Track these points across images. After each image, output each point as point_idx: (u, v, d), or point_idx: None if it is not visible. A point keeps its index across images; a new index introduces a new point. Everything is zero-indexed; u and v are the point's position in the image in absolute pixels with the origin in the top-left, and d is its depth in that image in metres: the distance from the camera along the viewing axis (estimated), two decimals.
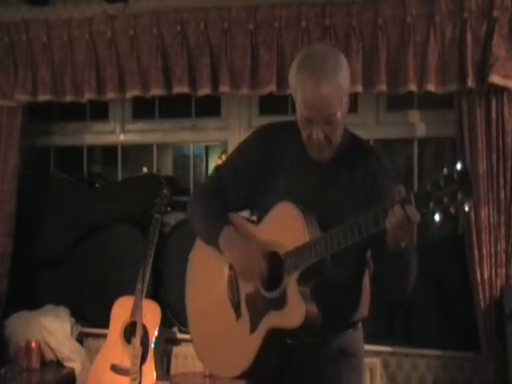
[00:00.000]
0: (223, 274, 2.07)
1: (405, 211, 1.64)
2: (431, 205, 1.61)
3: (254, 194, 2.07)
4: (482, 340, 3.31)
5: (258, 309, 1.95)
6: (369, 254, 2.00)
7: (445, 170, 1.60)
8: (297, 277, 1.86)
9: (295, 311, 1.85)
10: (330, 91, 1.83)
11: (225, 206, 2.07)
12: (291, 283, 1.87)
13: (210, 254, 2.08)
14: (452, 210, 1.58)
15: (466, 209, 1.57)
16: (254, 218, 2.20)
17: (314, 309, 1.85)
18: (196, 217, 2.12)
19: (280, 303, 1.89)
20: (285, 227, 1.92)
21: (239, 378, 2.02)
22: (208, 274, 2.13)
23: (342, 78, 1.87)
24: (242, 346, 1.97)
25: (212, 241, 2.03)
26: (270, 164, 2.03)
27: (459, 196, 1.56)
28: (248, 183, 2.06)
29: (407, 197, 1.66)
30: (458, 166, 1.58)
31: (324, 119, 1.86)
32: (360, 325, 2.06)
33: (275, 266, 1.92)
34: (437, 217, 1.61)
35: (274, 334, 1.91)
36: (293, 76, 1.91)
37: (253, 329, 1.96)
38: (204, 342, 2.14)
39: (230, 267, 2.04)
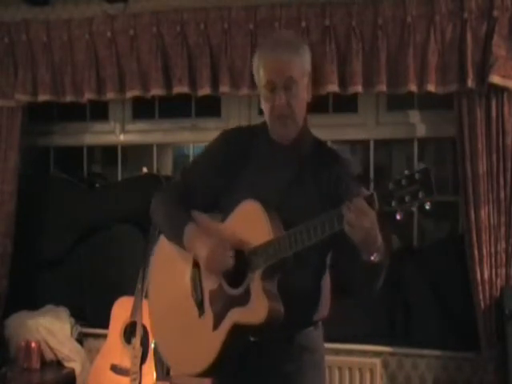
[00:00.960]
0: (186, 273, 2.08)
1: (362, 204, 1.68)
2: (393, 203, 1.66)
3: (218, 195, 2.10)
4: (482, 340, 3.31)
5: (221, 306, 1.97)
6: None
7: (406, 171, 1.67)
8: (260, 274, 1.89)
9: (259, 307, 1.87)
10: (290, 58, 1.94)
11: (189, 208, 2.09)
12: (255, 280, 1.90)
13: (172, 254, 2.11)
14: (413, 208, 1.65)
15: (427, 207, 1.65)
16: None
17: (277, 305, 1.87)
18: (160, 218, 2.15)
19: (244, 300, 1.91)
20: (249, 225, 1.95)
21: (202, 375, 2.03)
22: (170, 273, 2.15)
23: (303, 55, 1.98)
24: (206, 342, 1.99)
25: (176, 238, 2.05)
26: (235, 165, 2.06)
27: (420, 195, 1.63)
28: (212, 184, 2.10)
29: (370, 195, 1.70)
30: (419, 167, 1.66)
31: (284, 83, 1.93)
32: (320, 324, 2.09)
33: (239, 264, 1.94)
34: (398, 216, 1.68)
35: (238, 330, 1.93)
36: (255, 57, 2.02)
37: (216, 325, 1.97)
38: (168, 341, 2.16)
39: (194, 265, 2.06)
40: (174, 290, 2.13)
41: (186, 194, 2.12)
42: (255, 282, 1.90)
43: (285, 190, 1.98)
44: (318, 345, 2.09)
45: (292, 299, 1.89)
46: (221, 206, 2.10)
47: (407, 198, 1.65)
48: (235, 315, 1.93)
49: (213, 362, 1.97)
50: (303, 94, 1.99)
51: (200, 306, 2.03)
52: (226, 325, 1.95)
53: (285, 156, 2.03)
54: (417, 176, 1.64)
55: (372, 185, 1.76)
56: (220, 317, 1.97)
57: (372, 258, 1.77)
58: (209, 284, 2.02)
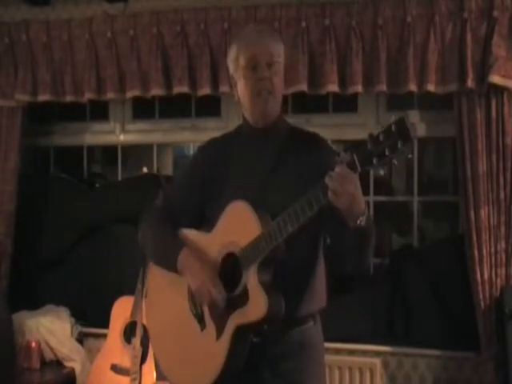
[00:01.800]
0: (183, 289, 2.07)
1: (343, 170, 1.69)
2: (374, 161, 1.66)
3: (203, 208, 2.11)
4: (482, 340, 3.31)
5: (221, 314, 1.95)
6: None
7: (382, 127, 1.69)
8: (255, 270, 1.88)
9: (258, 303, 1.86)
10: (270, 40, 2.04)
11: (176, 227, 2.10)
12: (250, 277, 1.89)
13: (167, 274, 2.09)
14: (395, 161, 1.64)
15: (409, 156, 1.65)
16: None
17: (276, 298, 1.87)
18: (150, 244, 2.16)
19: (242, 300, 1.90)
20: (238, 226, 1.94)
21: None
22: (167, 292, 2.14)
23: (280, 44, 2.07)
24: (211, 354, 1.97)
25: (169, 267, 2.06)
26: (215, 174, 2.08)
27: (399, 145, 1.63)
28: (196, 200, 2.11)
29: (351, 158, 1.69)
30: (393, 118, 1.68)
31: (266, 61, 1.99)
32: (318, 318, 2.09)
33: (234, 266, 1.94)
34: (381, 171, 1.68)
35: (241, 332, 1.92)
36: (232, 49, 2.07)
37: (219, 334, 1.96)
38: (171, 360, 2.14)
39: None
40: (173, 309, 2.12)
41: (171, 215, 2.13)
42: (251, 280, 1.89)
43: (267, 180, 2.00)
44: (317, 341, 2.08)
45: (288, 289, 1.89)
46: (209, 218, 2.09)
47: (387, 152, 1.64)
48: (236, 318, 1.92)
49: (220, 371, 1.94)
50: (281, 75, 2.04)
51: (201, 320, 2.02)
52: (228, 330, 1.93)
53: (263, 144, 2.05)
54: (393, 128, 1.66)
55: (348, 151, 1.72)
56: (222, 325, 1.95)
57: (358, 221, 1.77)
58: None
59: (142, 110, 4.17)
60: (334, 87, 3.43)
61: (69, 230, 4.23)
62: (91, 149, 4.47)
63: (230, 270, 1.95)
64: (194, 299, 2.05)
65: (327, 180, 1.71)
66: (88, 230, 4.22)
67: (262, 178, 2.00)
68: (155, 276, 2.21)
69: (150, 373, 3.47)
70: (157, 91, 3.70)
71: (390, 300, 3.71)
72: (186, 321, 2.06)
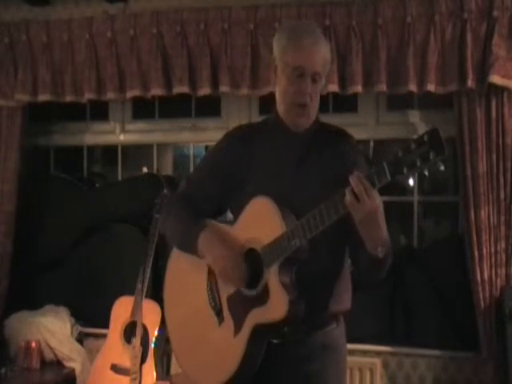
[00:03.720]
0: (202, 282, 2.06)
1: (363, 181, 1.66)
2: (405, 170, 1.62)
3: (226, 197, 2.09)
4: (482, 340, 3.31)
5: (240, 309, 1.94)
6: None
7: (415, 135, 1.63)
8: (277, 269, 1.86)
9: (278, 303, 1.84)
10: (322, 52, 1.96)
11: (199, 214, 2.07)
12: (271, 276, 1.87)
13: (187, 265, 2.09)
14: (426, 171, 1.60)
15: (441, 168, 1.59)
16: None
17: (296, 298, 1.84)
18: (171, 227, 2.13)
19: (262, 298, 1.88)
20: (261, 222, 1.92)
21: (227, 383, 1.98)
22: (186, 284, 2.13)
23: (329, 52, 2.02)
24: (227, 350, 1.96)
25: (190, 247, 2.02)
26: (240, 164, 2.04)
27: (431, 156, 1.58)
28: (219, 188, 2.08)
29: (381, 167, 1.66)
30: (427, 128, 1.63)
31: (312, 74, 1.94)
32: (342, 320, 2.07)
33: (255, 263, 1.92)
34: (411, 181, 1.64)
35: (259, 331, 1.90)
36: (283, 36, 1.99)
37: (237, 330, 1.94)
38: (187, 353, 2.12)
39: (209, 273, 2.03)
40: (191, 302, 2.10)
41: (193, 202, 2.10)
42: (272, 279, 1.86)
43: (292, 176, 1.97)
44: (340, 343, 2.06)
45: (311, 290, 1.87)
46: (231, 207, 2.09)
47: (418, 162, 1.59)
48: (255, 316, 1.89)
49: (237, 368, 1.93)
50: (321, 88, 2.02)
51: (219, 313, 2.01)
52: (246, 328, 1.91)
53: (290, 140, 2.02)
54: (425, 138, 1.59)
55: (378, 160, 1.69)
56: (240, 321, 1.93)
57: (376, 252, 1.75)
58: (226, 290, 1.99)
59: (142, 110, 4.17)
60: (333, 87, 3.43)
61: (69, 230, 4.23)
62: (91, 149, 4.47)
63: (250, 265, 1.93)
64: (213, 292, 2.03)
65: (347, 188, 1.68)
66: (88, 230, 4.22)
67: (286, 173, 1.98)
68: (175, 266, 2.19)
69: (150, 373, 3.47)
70: (157, 91, 3.70)
71: (389, 300, 3.71)
72: (203, 313, 2.04)
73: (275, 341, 1.95)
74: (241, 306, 1.93)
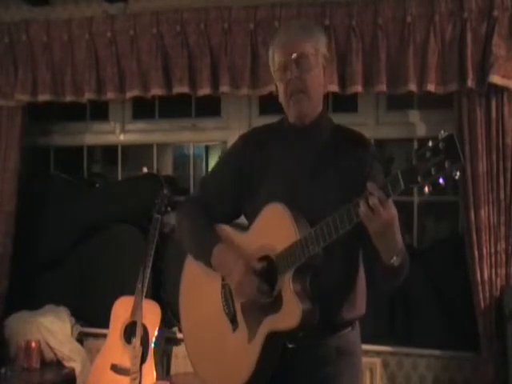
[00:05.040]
0: (216, 288, 2.06)
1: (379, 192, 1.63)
2: (419, 179, 1.58)
3: (241, 200, 2.08)
4: (482, 340, 3.31)
5: (254, 316, 1.93)
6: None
7: (430, 142, 1.57)
8: (290, 276, 1.85)
9: (292, 312, 1.83)
10: (301, 37, 1.96)
11: (213, 219, 2.07)
12: (285, 284, 1.86)
13: (201, 271, 2.08)
14: (441, 180, 1.54)
15: (456, 177, 1.53)
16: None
17: (310, 306, 1.83)
18: (186, 236, 2.13)
19: (276, 306, 1.87)
20: (275, 228, 1.91)
21: None
22: (201, 290, 2.13)
23: (316, 36, 1.99)
24: (242, 356, 1.95)
25: (204, 259, 2.04)
26: (255, 167, 2.04)
27: (447, 165, 1.52)
28: (234, 191, 2.08)
29: (395, 175, 1.63)
30: (443, 134, 1.55)
31: (295, 60, 1.93)
32: (357, 324, 2.06)
33: (268, 270, 1.91)
34: (426, 189, 1.58)
35: (273, 338, 1.90)
36: (270, 48, 2.03)
37: (251, 337, 1.94)
38: (202, 358, 2.13)
39: (223, 279, 2.04)
40: (206, 308, 2.10)
41: (208, 206, 2.09)
42: (286, 286, 1.85)
43: (306, 181, 1.95)
44: (355, 347, 2.04)
45: (325, 298, 1.86)
46: (245, 211, 2.08)
47: (433, 171, 1.54)
48: (269, 324, 1.89)
49: (251, 374, 1.93)
50: (317, 71, 1.98)
51: (233, 320, 2.01)
52: (260, 335, 1.91)
53: (304, 144, 2.00)
54: (441, 145, 1.54)
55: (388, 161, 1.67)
56: (254, 328, 1.93)
57: (392, 261, 1.74)
58: (240, 297, 1.99)
59: (142, 110, 4.17)
60: (333, 87, 3.43)
61: (69, 230, 4.23)
62: (91, 149, 4.47)
63: (264, 273, 1.92)
64: (226, 298, 2.03)
65: (360, 199, 1.66)
66: (88, 230, 4.22)
67: (303, 177, 1.96)
68: (190, 271, 2.19)
69: (150, 373, 3.48)
70: (157, 91, 3.70)
71: (390, 300, 3.71)
72: (218, 320, 2.04)
73: (290, 345, 1.94)
74: (255, 313, 1.93)
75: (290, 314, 1.83)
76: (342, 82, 3.44)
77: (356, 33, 3.41)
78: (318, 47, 1.97)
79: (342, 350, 1.98)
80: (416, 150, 1.61)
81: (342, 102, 3.73)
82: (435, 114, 3.66)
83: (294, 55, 1.93)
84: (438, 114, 3.64)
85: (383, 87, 3.38)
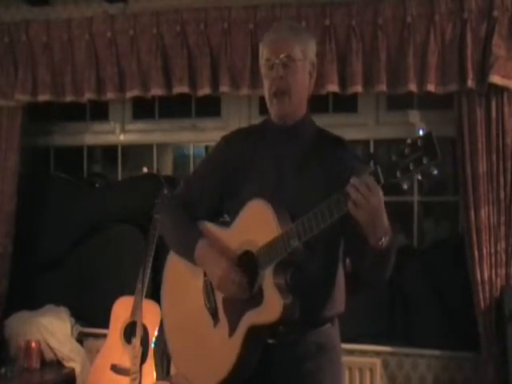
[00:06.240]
0: (199, 284, 2.07)
1: (367, 180, 1.66)
2: (398, 174, 1.63)
3: (224, 199, 2.10)
4: (482, 340, 3.31)
5: (236, 311, 1.95)
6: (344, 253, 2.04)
7: (408, 140, 1.63)
8: (271, 271, 1.87)
9: (272, 305, 1.85)
10: (289, 38, 1.98)
11: (196, 217, 2.09)
12: (266, 278, 1.88)
13: (183, 267, 2.10)
14: (419, 176, 1.61)
15: (434, 172, 1.60)
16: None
17: (290, 300, 1.85)
18: (169, 234, 2.16)
19: (257, 300, 1.89)
20: (257, 224, 1.93)
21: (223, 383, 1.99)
22: (183, 286, 2.14)
23: (304, 40, 2.02)
24: (223, 350, 1.96)
25: (186, 256, 2.06)
26: (237, 166, 2.06)
27: (424, 161, 1.59)
28: (217, 190, 2.10)
29: (374, 169, 1.67)
30: (421, 132, 1.63)
31: (282, 60, 1.96)
32: (337, 320, 2.08)
33: (250, 265, 1.92)
34: (405, 185, 1.65)
35: (254, 333, 1.91)
36: (260, 46, 2.06)
37: (232, 331, 1.95)
38: (184, 354, 2.14)
39: (205, 275, 2.05)
40: (188, 304, 2.11)
41: (190, 204, 2.11)
42: (267, 281, 1.87)
43: (289, 180, 1.98)
44: (335, 343, 2.06)
45: (306, 293, 1.88)
46: (228, 209, 2.09)
47: (412, 166, 1.61)
48: (250, 318, 1.91)
49: (232, 369, 1.94)
50: (302, 74, 2.00)
51: (214, 315, 2.02)
52: (241, 329, 1.92)
53: (286, 145, 2.03)
54: (419, 142, 1.61)
55: (372, 162, 1.70)
56: (235, 322, 1.94)
57: (380, 242, 1.75)
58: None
59: (142, 109, 4.17)
60: (333, 87, 3.43)
61: (69, 230, 4.23)
62: (91, 149, 4.47)
63: (246, 268, 1.94)
64: (208, 293, 2.04)
65: (349, 189, 1.68)
66: (88, 230, 4.22)
67: (283, 178, 1.99)
68: (173, 268, 2.21)
69: (150, 373, 3.47)
70: (157, 91, 3.70)
71: (389, 300, 3.71)
72: (200, 315, 2.05)
73: (271, 341, 1.96)
74: (236, 308, 1.95)
75: (271, 307, 1.85)
76: (342, 82, 3.44)
77: (356, 33, 3.41)
78: (306, 52, 2.01)
79: (322, 345, 2.00)
80: (397, 147, 1.66)
81: (342, 102, 3.73)
82: (435, 114, 3.66)
83: (282, 55, 1.96)
84: (438, 114, 3.64)
85: (383, 87, 3.38)
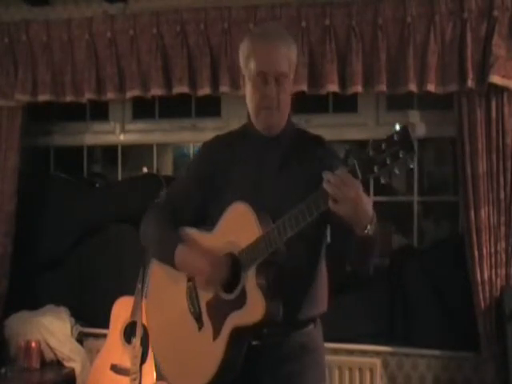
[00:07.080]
0: (182, 289, 2.07)
1: (343, 174, 1.67)
2: (375, 169, 1.65)
3: (206, 205, 2.10)
4: (482, 340, 3.31)
5: (219, 314, 1.95)
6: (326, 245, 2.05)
7: (385, 136, 1.65)
8: (254, 271, 1.87)
9: (255, 306, 1.85)
10: (284, 53, 1.98)
11: (177, 223, 2.10)
12: (249, 279, 1.88)
13: (167, 273, 2.09)
14: (396, 170, 1.63)
15: (411, 166, 1.63)
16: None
17: (273, 300, 1.86)
18: (150, 241, 2.15)
19: (240, 302, 1.89)
20: (238, 227, 1.94)
21: None
22: (166, 291, 2.14)
23: (293, 50, 2.03)
24: (208, 353, 1.96)
25: (168, 263, 2.05)
26: (218, 173, 2.07)
27: (401, 155, 1.61)
28: (199, 197, 2.11)
29: (352, 167, 1.68)
30: (397, 127, 1.64)
31: (276, 76, 1.96)
32: (319, 321, 2.08)
33: (233, 267, 1.93)
34: (382, 179, 1.67)
35: (238, 335, 1.91)
36: (246, 45, 2.08)
37: (216, 334, 1.95)
38: (169, 359, 2.13)
39: (189, 280, 2.05)
40: (171, 309, 2.12)
41: (173, 212, 2.13)
42: (249, 282, 1.88)
43: (270, 182, 1.99)
44: (318, 344, 2.08)
45: (288, 293, 1.89)
46: (210, 215, 2.09)
47: (388, 160, 1.63)
48: (233, 319, 1.91)
49: (216, 371, 1.94)
50: (291, 87, 2.03)
51: (198, 319, 2.02)
52: (225, 332, 1.93)
53: (269, 147, 2.04)
54: (395, 137, 1.62)
55: (349, 158, 1.70)
56: (219, 325, 1.94)
57: (366, 231, 1.75)
58: (205, 295, 2.01)
59: (142, 109, 4.17)
60: (334, 87, 3.43)
61: (69, 230, 4.23)
62: (91, 149, 4.47)
63: (229, 270, 1.95)
64: (192, 297, 2.04)
65: (325, 185, 1.69)
66: (88, 230, 4.22)
67: (267, 180, 2.00)
68: (156, 274, 2.21)
69: (150, 373, 3.47)
70: (157, 91, 3.70)
71: (389, 300, 3.71)
72: (184, 319, 2.05)
73: (254, 343, 1.96)
74: (219, 311, 1.95)
75: (254, 308, 1.86)
76: (342, 82, 3.45)
77: (356, 33, 3.41)
78: (292, 60, 2.02)
79: (306, 346, 2.01)
80: (372, 142, 1.67)
81: (342, 102, 3.73)
82: (435, 114, 3.66)
83: (277, 72, 1.97)
84: (438, 114, 3.64)
85: (383, 87, 3.38)
